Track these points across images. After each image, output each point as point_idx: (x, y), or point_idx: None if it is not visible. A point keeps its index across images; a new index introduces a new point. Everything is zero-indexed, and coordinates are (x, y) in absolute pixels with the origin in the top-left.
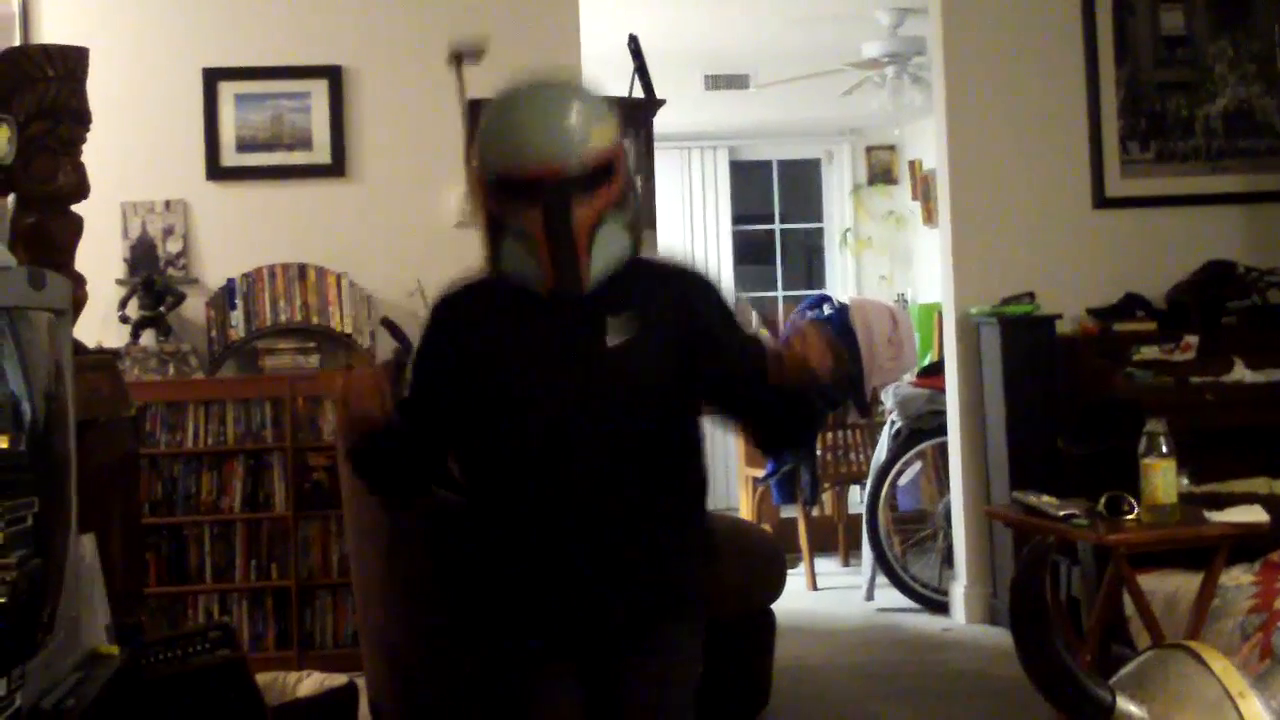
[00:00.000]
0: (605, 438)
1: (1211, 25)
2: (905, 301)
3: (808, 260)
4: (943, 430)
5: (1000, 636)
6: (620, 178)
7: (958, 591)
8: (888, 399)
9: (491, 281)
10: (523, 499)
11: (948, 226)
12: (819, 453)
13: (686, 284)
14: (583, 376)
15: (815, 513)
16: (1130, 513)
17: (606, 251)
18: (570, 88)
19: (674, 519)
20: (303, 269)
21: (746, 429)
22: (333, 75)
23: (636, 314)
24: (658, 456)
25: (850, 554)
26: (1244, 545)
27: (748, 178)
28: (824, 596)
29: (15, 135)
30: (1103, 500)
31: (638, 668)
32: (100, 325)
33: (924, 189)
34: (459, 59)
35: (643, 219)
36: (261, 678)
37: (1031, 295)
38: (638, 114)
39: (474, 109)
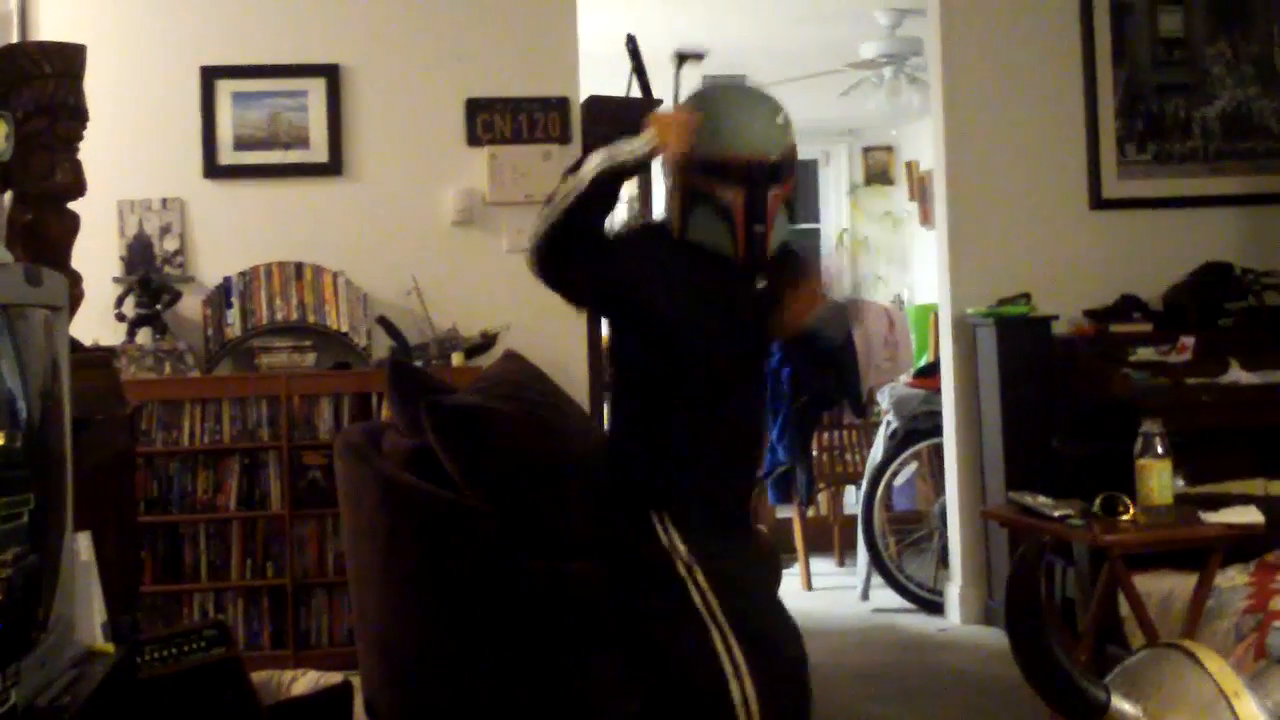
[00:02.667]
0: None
1: (1210, 27)
2: (901, 302)
3: None
4: (938, 431)
5: (995, 637)
6: (795, 176)
7: (953, 592)
8: (883, 399)
9: (676, 239)
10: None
11: (944, 227)
12: (815, 453)
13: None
14: (745, 314)
15: (811, 513)
16: (1126, 513)
17: (780, 232)
18: (772, 95)
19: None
20: (299, 267)
21: None
22: (330, 74)
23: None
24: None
25: (845, 554)
26: (1239, 546)
27: None
28: (819, 597)
29: (12, 132)
30: (1098, 501)
31: None
32: (97, 323)
33: (921, 190)
34: (681, 59)
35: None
36: (257, 676)
37: (1028, 296)
38: (635, 114)
39: (471, 106)
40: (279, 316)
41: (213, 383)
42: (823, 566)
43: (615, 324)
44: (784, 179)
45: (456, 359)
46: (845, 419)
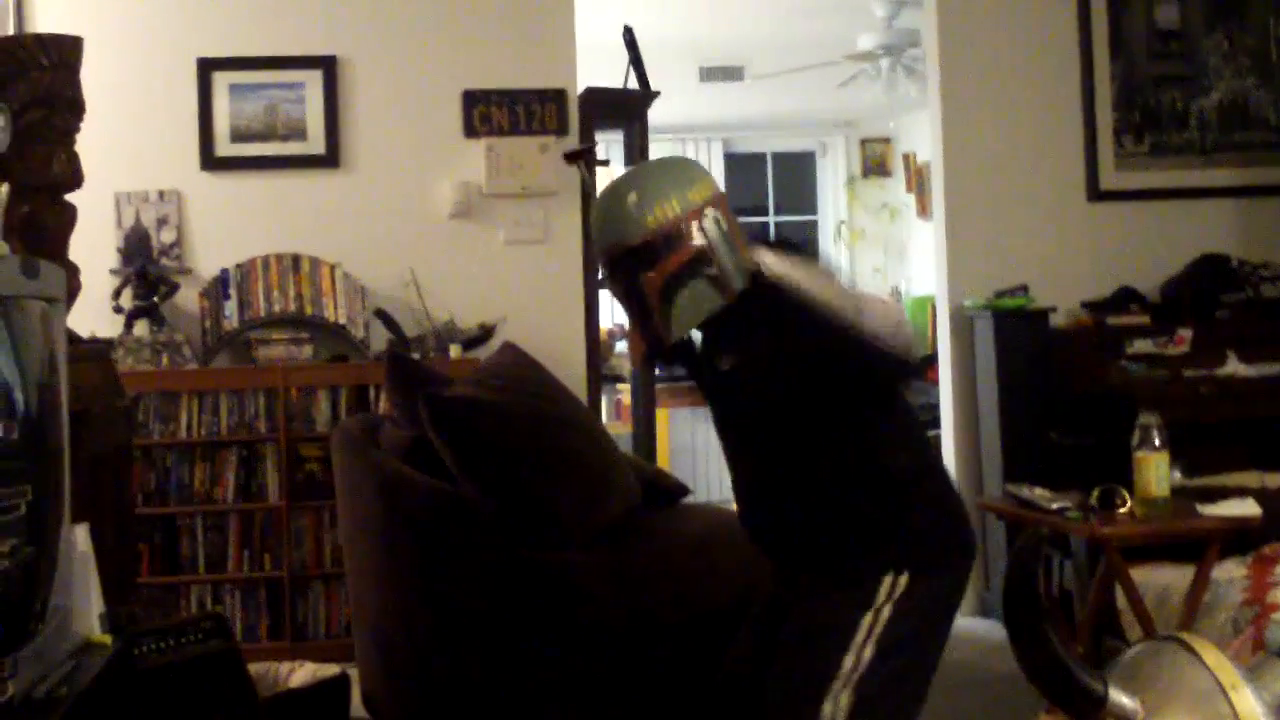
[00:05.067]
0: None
1: (1206, 19)
2: (899, 294)
3: None
4: (936, 423)
5: (993, 629)
6: (686, 243)
7: None
8: None
9: None
10: None
11: (942, 219)
12: None
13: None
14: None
15: None
16: (1123, 506)
17: (687, 308)
18: (635, 176)
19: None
20: (296, 259)
21: None
22: (327, 65)
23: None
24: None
25: None
26: (1236, 538)
27: (742, 170)
28: None
29: (9, 124)
30: (1096, 493)
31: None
32: (94, 315)
33: (918, 182)
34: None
35: (734, 270)
36: (254, 668)
37: (1025, 288)
38: (632, 106)
39: (468, 98)
40: (276, 309)
41: (210, 375)
42: None
43: None
44: (655, 259)
45: (454, 351)
46: None
